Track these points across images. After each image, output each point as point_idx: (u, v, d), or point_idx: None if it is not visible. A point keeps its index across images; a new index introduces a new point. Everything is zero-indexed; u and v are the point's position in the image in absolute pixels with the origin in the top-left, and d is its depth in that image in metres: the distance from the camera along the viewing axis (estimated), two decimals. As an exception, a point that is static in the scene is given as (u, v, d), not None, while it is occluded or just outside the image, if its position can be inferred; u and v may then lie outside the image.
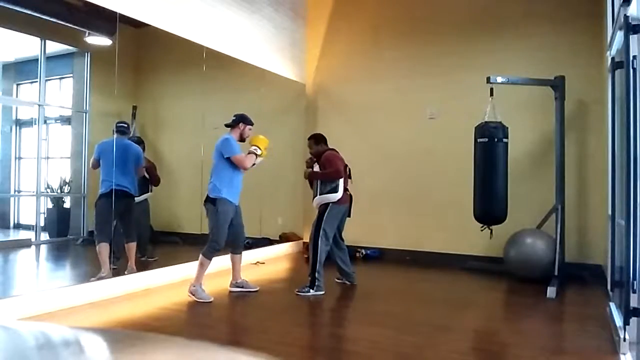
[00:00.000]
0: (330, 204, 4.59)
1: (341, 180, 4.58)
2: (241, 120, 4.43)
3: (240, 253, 4.60)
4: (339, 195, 4.56)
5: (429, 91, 6.40)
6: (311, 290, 4.50)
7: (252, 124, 4.48)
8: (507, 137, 4.98)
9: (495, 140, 4.93)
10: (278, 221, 7.29)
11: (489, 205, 5.01)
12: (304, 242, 6.95)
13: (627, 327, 2.84)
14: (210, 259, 4.33)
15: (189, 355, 0.81)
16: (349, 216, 4.86)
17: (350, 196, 4.83)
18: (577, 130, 5.64)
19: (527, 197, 5.58)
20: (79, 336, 0.88)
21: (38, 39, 5.87)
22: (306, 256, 6.39)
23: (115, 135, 4.82)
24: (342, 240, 4.91)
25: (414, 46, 6.54)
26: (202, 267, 4.30)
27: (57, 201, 6.42)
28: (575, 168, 5.60)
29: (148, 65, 6.90)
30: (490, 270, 5.56)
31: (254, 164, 4.39)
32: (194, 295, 4.25)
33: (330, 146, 4.88)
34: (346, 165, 4.77)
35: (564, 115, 5.19)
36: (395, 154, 6.52)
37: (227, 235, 4.32)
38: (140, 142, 6.24)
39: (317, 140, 4.84)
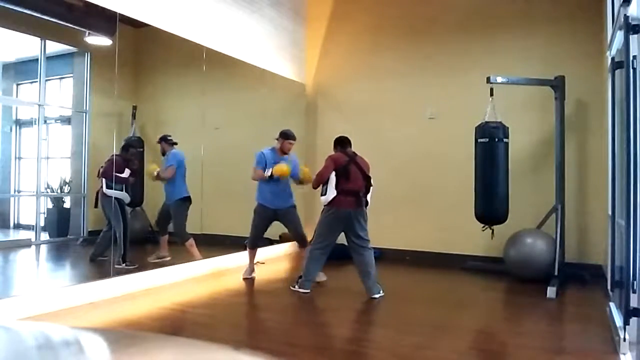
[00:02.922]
0: (324, 207, 4.53)
1: (330, 183, 4.39)
2: (280, 135, 5.03)
3: (301, 247, 5.15)
4: (327, 197, 4.41)
5: (429, 91, 6.40)
6: (296, 286, 4.57)
7: (287, 138, 5.00)
8: (507, 137, 4.98)
9: (496, 140, 4.93)
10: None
11: (490, 205, 5.02)
12: (304, 242, 6.94)
13: (627, 327, 2.84)
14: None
15: (189, 355, 0.81)
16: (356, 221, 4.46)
17: (358, 201, 4.44)
18: (577, 130, 5.63)
19: (527, 197, 5.58)
20: (79, 336, 0.88)
21: (38, 39, 5.87)
22: (306, 256, 6.40)
23: (173, 149, 5.60)
24: (360, 246, 4.46)
25: (413, 46, 6.54)
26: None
27: (57, 201, 6.42)
28: (575, 168, 5.60)
29: (148, 65, 6.90)
30: (490, 270, 5.56)
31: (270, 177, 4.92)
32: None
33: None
34: (345, 167, 4.42)
35: (564, 115, 5.19)
36: (395, 154, 6.51)
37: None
38: (140, 142, 6.26)
39: (334, 144, 4.73)
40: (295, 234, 5.17)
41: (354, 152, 4.63)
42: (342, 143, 4.67)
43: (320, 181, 4.48)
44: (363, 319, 4.12)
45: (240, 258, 6.05)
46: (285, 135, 5.00)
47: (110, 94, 5.19)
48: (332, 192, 4.41)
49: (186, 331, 3.60)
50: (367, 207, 4.56)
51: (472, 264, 5.79)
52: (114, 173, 5.09)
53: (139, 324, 3.60)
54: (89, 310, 3.93)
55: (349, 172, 4.45)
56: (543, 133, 5.67)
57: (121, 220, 5.15)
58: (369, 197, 4.54)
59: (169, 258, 5.49)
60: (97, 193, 5.30)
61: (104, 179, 5.14)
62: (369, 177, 4.55)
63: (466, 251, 6.00)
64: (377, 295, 4.40)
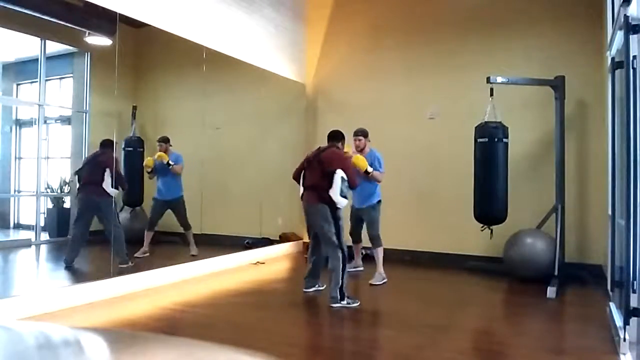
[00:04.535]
0: None
1: (301, 180, 4.50)
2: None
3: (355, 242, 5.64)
4: (299, 193, 4.53)
5: (429, 91, 6.40)
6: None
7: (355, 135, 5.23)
8: (507, 137, 4.98)
9: (495, 140, 4.93)
10: (278, 221, 7.29)
11: (489, 205, 5.01)
12: (303, 242, 6.95)
13: (627, 327, 2.84)
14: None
15: (189, 355, 0.81)
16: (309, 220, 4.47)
17: (314, 195, 4.32)
18: (577, 130, 5.63)
19: (527, 197, 5.58)
20: (79, 336, 0.88)
21: (38, 39, 5.86)
22: (306, 256, 6.40)
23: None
24: (325, 244, 4.35)
25: (413, 46, 6.54)
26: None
27: (57, 201, 6.41)
28: (575, 168, 5.60)
29: (148, 65, 6.90)
30: (490, 270, 5.56)
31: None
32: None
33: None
34: (309, 163, 4.41)
35: (564, 115, 5.19)
36: (395, 154, 6.49)
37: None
38: (140, 142, 6.26)
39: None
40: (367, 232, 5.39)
41: (330, 146, 4.48)
42: (329, 137, 4.60)
43: (294, 178, 4.61)
44: (363, 319, 4.12)
45: (240, 258, 6.06)
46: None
47: (110, 94, 5.19)
48: (301, 189, 4.51)
49: (186, 331, 3.59)
50: (343, 205, 4.32)
51: (473, 264, 5.79)
52: (115, 168, 5.04)
53: (139, 324, 3.60)
54: (89, 310, 3.93)
55: (310, 167, 4.43)
56: (543, 133, 5.67)
57: (118, 221, 5.14)
58: (332, 193, 4.19)
59: (147, 254, 5.78)
60: (85, 188, 5.19)
61: (107, 175, 4.98)
62: (330, 173, 4.22)
63: (466, 251, 6.00)
64: (334, 305, 4.12)
